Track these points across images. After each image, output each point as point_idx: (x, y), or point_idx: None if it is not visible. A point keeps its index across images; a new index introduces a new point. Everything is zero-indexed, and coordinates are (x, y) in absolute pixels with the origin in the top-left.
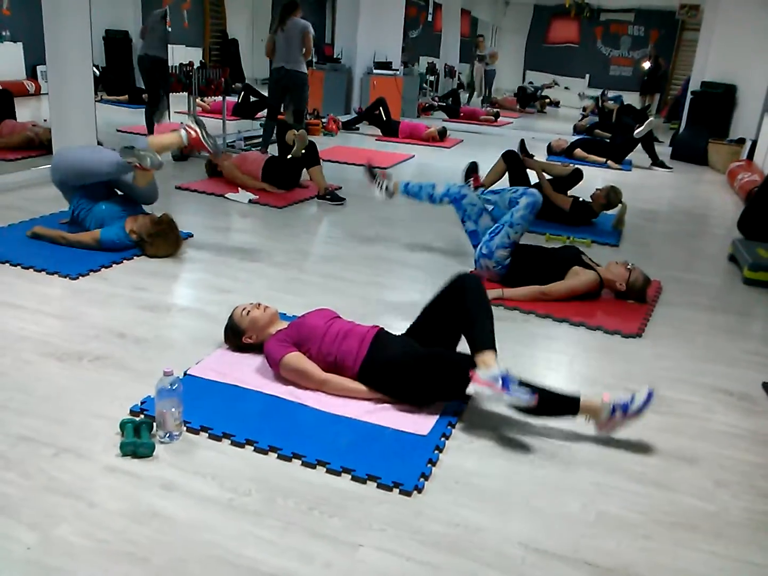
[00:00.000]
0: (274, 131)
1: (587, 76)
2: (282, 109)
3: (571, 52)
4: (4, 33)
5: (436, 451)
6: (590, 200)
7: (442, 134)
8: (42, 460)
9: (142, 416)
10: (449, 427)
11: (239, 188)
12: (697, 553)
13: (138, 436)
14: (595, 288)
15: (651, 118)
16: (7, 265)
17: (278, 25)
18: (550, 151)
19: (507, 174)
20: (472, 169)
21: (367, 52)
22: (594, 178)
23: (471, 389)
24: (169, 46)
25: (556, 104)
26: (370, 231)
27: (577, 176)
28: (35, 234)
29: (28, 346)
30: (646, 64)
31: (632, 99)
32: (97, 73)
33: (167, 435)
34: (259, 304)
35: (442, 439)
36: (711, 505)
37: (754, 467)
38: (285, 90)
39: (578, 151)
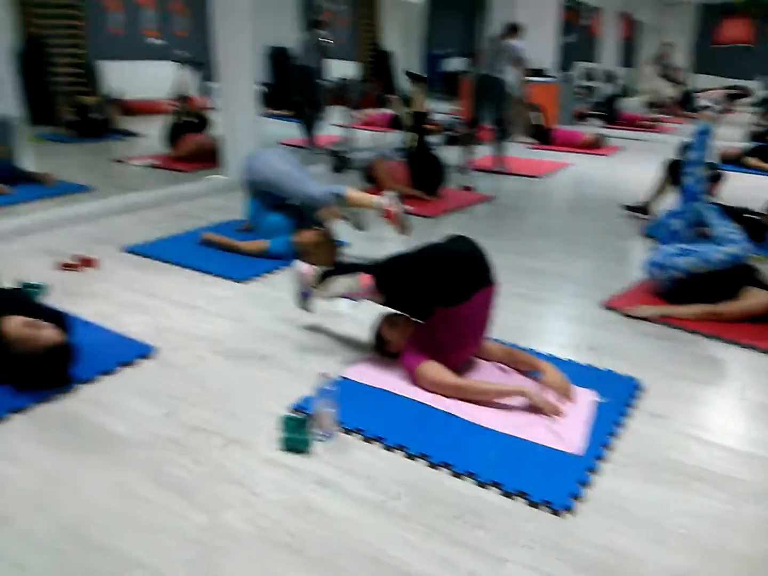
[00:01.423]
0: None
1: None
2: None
3: (744, 53)
4: (182, 55)
5: (589, 472)
6: (763, 214)
7: (599, 141)
8: (212, 448)
9: (301, 414)
10: (602, 449)
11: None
12: None
13: (297, 433)
14: None
15: None
16: (184, 268)
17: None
18: (722, 160)
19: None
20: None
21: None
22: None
23: None
24: (326, 59)
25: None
26: (524, 243)
27: (715, 176)
28: (206, 240)
29: (200, 344)
30: None
31: None
32: (267, 90)
33: (323, 433)
34: (400, 315)
35: (596, 460)
36: None
37: None
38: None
39: (752, 160)
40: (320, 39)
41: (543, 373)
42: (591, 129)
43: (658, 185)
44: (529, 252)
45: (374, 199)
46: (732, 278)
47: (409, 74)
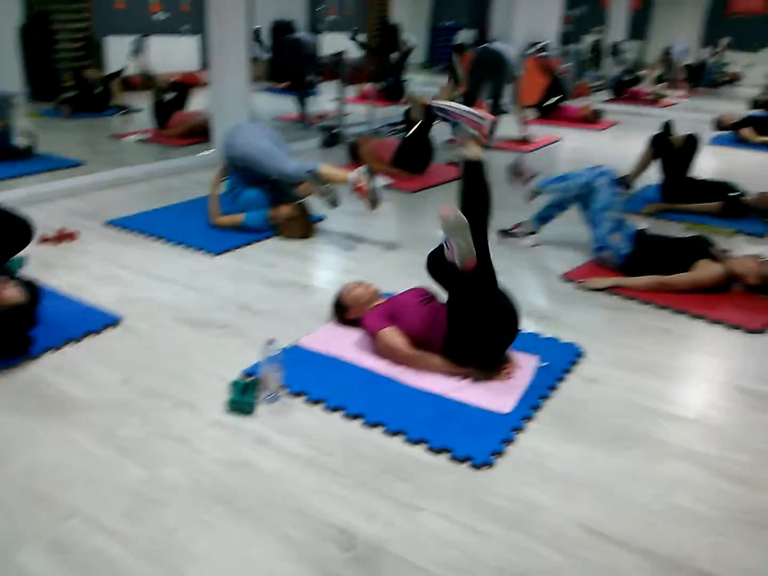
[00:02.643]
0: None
1: None
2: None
3: (757, 23)
4: (183, 28)
5: (514, 431)
6: (749, 199)
7: (597, 115)
8: (161, 410)
9: (249, 378)
10: (532, 410)
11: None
12: None
13: (244, 396)
14: (722, 283)
15: None
16: (162, 241)
17: None
18: (719, 125)
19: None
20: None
21: (523, 33)
22: (763, 167)
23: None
24: (331, 33)
25: (731, 81)
26: (501, 216)
27: (691, 144)
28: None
29: (165, 313)
30: None
31: None
32: (265, 56)
33: (269, 396)
34: (362, 283)
35: (523, 420)
36: None
37: None
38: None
39: (746, 131)
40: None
41: None
42: (589, 102)
43: (641, 160)
44: (503, 225)
45: (347, 174)
46: (686, 250)
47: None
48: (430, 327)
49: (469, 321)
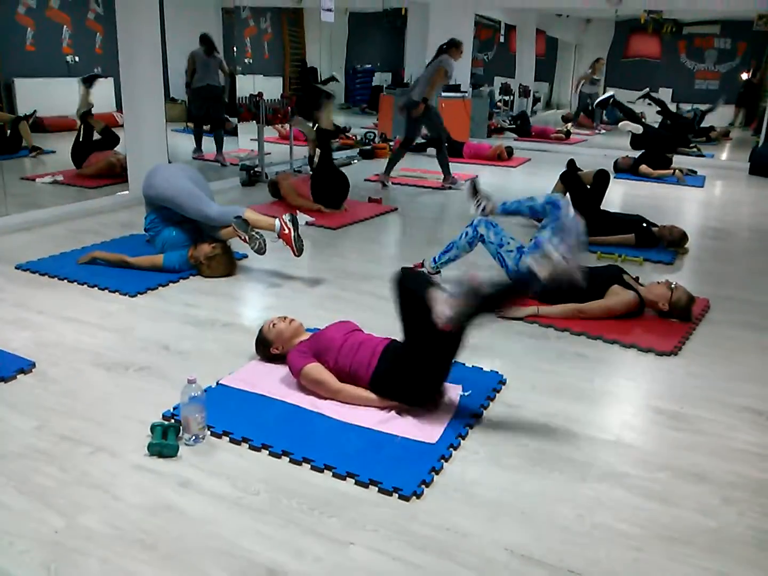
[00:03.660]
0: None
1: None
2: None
3: (653, 67)
4: (96, 70)
5: (441, 460)
6: (657, 229)
7: (509, 153)
8: (79, 457)
9: (172, 420)
10: (458, 438)
11: (297, 211)
12: (689, 567)
13: (165, 439)
14: (634, 309)
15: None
16: (75, 283)
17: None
18: (617, 168)
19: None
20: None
21: None
22: (667, 198)
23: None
24: (245, 76)
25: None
26: (417, 252)
27: (602, 179)
28: (95, 259)
29: (81, 357)
30: (744, 76)
31: (723, 112)
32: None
33: (192, 438)
34: (285, 318)
35: (450, 449)
36: (713, 521)
37: (766, 486)
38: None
39: (643, 168)
40: (217, 59)
41: None
42: (501, 142)
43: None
44: (419, 258)
45: (272, 221)
46: (600, 279)
47: (318, 91)
48: (354, 360)
49: (418, 365)
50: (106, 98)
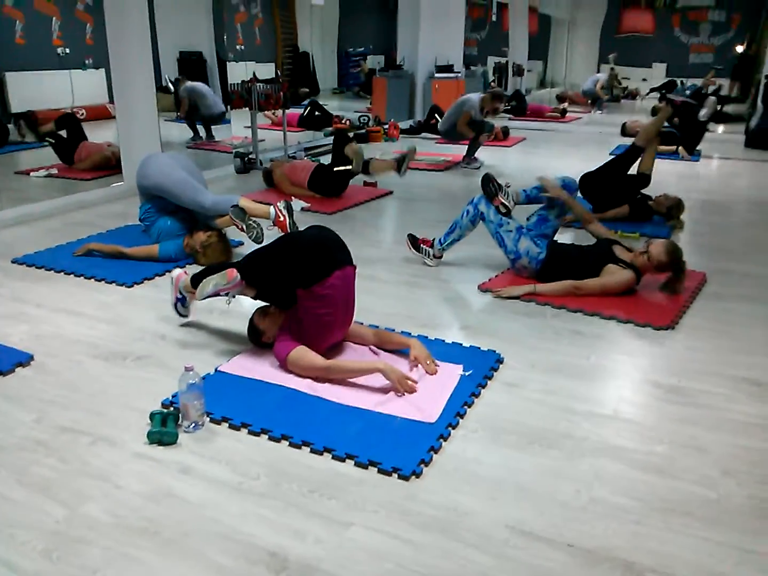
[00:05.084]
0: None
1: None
2: None
3: (646, 41)
4: (87, 61)
5: (440, 440)
6: (653, 201)
7: (505, 133)
8: (80, 447)
9: (171, 408)
10: (457, 418)
11: (292, 197)
12: (689, 538)
13: (164, 426)
14: (631, 286)
15: (711, 98)
16: (72, 276)
17: None
18: (624, 132)
19: None
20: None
21: (428, 57)
22: (664, 173)
23: None
24: (237, 63)
25: (634, 96)
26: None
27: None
28: (90, 251)
29: (79, 348)
30: (740, 48)
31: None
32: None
33: (191, 425)
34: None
35: (449, 428)
36: (713, 492)
37: (766, 456)
38: None
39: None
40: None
41: (411, 348)
42: (499, 122)
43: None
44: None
45: (267, 209)
46: (594, 257)
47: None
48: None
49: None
50: (98, 90)
